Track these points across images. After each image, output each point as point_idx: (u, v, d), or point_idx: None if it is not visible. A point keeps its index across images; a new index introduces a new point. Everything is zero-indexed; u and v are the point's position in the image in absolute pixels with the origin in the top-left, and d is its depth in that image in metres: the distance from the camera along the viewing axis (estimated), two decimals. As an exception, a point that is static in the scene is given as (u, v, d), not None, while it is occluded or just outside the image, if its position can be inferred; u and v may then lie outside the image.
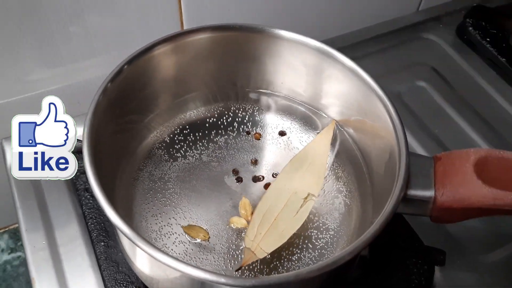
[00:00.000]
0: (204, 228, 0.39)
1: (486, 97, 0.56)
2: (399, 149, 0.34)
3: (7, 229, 0.64)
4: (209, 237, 0.38)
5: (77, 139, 0.46)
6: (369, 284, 0.41)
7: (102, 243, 0.42)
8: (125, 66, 0.38)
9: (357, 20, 0.63)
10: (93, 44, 0.52)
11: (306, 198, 0.38)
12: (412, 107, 0.55)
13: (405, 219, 0.44)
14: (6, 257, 0.62)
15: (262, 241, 0.36)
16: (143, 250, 0.29)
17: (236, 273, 0.36)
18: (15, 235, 0.64)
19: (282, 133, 0.46)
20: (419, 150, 0.51)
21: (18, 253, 0.63)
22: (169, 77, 0.43)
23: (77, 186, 0.45)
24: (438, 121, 0.54)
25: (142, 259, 0.35)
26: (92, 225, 0.43)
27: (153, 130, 0.44)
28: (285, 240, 0.36)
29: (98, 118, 0.37)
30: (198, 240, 0.38)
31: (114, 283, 0.40)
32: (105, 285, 0.40)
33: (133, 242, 0.30)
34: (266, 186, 0.42)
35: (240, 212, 0.40)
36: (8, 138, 0.49)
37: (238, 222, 0.40)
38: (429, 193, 0.34)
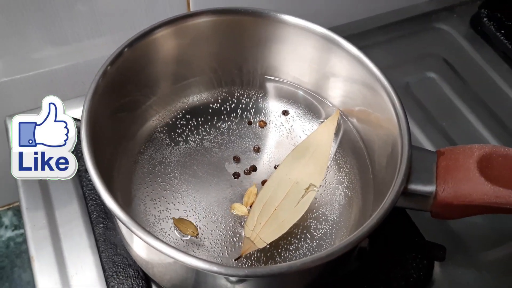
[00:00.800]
0: (195, 224, 0.38)
1: (497, 91, 0.55)
2: (401, 142, 0.34)
3: (11, 206, 0.64)
4: (198, 234, 0.38)
5: (76, 119, 0.46)
6: (367, 276, 0.40)
7: (101, 225, 0.42)
8: (126, 49, 0.38)
9: (368, 7, 0.61)
10: (99, 23, 0.51)
11: (307, 188, 0.38)
12: (420, 99, 0.54)
13: (407, 213, 0.43)
14: (9, 234, 0.63)
15: (262, 231, 0.36)
16: (136, 234, 0.29)
17: (235, 262, 0.36)
18: (19, 212, 0.64)
19: (285, 112, 0.45)
20: (425, 143, 0.50)
21: (22, 230, 0.63)
22: (172, 60, 0.43)
23: (78, 167, 0.45)
24: (447, 114, 0.53)
25: (138, 243, 0.35)
26: (92, 207, 0.43)
27: (155, 114, 0.44)
28: (285, 230, 0.36)
29: (97, 100, 0.37)
30: (188, 237, 0.38)
31: (112, 265, 0.40)
32: (103, 266, 0.40)
33: (126, 226, 0.30)
34: (263, 182, 0.41)
35: (244, 199, 0.40)
36: (13, 115, 0.49)
37: (239, 209, 0.39)
38: (430, 188, 0.33)
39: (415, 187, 0.33)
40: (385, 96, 0.36)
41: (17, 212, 0.64)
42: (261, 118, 0.45)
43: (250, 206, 0.38)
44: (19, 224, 0.64)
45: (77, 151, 0.46)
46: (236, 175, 0.41)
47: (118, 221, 0.36)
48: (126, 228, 0.34)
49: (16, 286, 0.59)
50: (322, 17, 0.60)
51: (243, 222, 0.39)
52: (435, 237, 0.43)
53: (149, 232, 0.29)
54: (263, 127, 0.45)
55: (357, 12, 0.61)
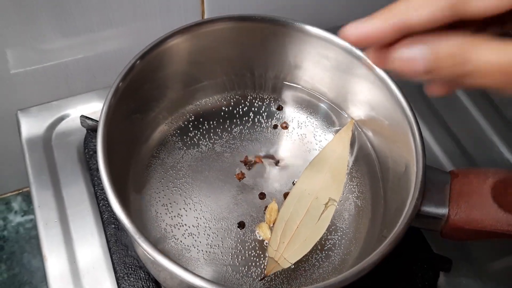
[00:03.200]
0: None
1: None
2: (416, 165, 0.33)
3: (20, 191, 0.65)
4: None
5: (88, 118, 0.46)
6: (372, 286, 0.41)
7: (113, 225, 0.43)
8: (137, 62, 0.37)
9: (383, 2, 0.60)
10: (110, 15, 0.50)
11: (327, 203, 0.38)
12: (432, 100, 0.54)
13: (415, 223, 0.43)
14: (19, 219, 0.64)
15: (286, 251, 0.36)
16: (145, 251, 0.30)
17: (260, 281, 0.37)
18: (28, 198, 0.65)
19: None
20: (434, 146, 0.50)
21: (31, 216, 0.64)
22: (186, 64, 0.42)
23: (90, 165, 0.46)
24: (458, 117, 0.53)
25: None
26: (104, 206, 0.43)
27: (168, 117, 0.44)
28: (308, 249, 0.36)
29: (114, 103, 0.36)
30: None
31: (123, 266, 0.41)
32: (114, 268, 0.41)
33: (136, 240, 0.30)
34: (285, 195, 0.41)
35: (265, 216, 0.40)
36: (23, 109, 0.49)
37: (263, 231, 0.39)
38: (442, 211, 0.33)
39: (428, 209, 0.33)
40: (404, 118, 0.36)
41: (27, 197, 0.65)
42: (274, 123, 0.45)
43: (274, 224, 0.39)
44: (28, 209, 0.64)
45: (88, 149, 0.47)
46: (241, 225, 0.39)
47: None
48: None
49: (26, 272, 0.61)
50: (334, 12, 0.59)
51: (256, 232, 0.39)
52: (442, 244, 0.43)
53: (157, 248, 0.30)
54: (286, 128, 0.44)
55: (370, 7, 0.60)
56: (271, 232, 0.38)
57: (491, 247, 0.44)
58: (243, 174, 0.41)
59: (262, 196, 0.41)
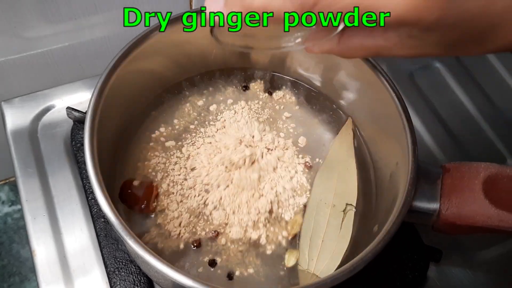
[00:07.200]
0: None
1: (502, 85, 0.55)
2: (408, 164, 0.33)
3: (7, 181, 0.64)
4: None
5: (75, 109, 0.45)
6: (363, 277, 0.41)
7: (102, 219, 0.42)
8: (125, 54, 0.36)
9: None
10: (95, 1, 0.49)
11: (345, 209, 0.37)
12: (423, 89, 0.53)
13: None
14: (6, 209, 0.63)
15: (316, 268, 0.35)
16: (134, 249, 0.29)
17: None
18: (16, 188, 0.64)
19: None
20: (425, 135, 0.50)
21: (19, 206, 0.63)
22: (174, 56, 0.41)
23: (77, 158, 0.45)
24: (448, 106, 0.52)
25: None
26: (93, 200, 0.43)
27: (156, 110, 0.43)
28: (339, 261, 0.36)
29: (100, 101, 0.35)
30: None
31: (114, 261, 0.40)
32: (104, 262, 0.40)
33: (121, 236, 0.30)
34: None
35: (288, 228, 0.38)
36: (8, 100, 0.48)
37: (291, 256, 0.37)
38: (433, 205, 0.33)
39: (419, 204, 0.33)
40: (396, 113, 0.35)
41: (14, 187, 0.64)
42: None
43: (293, 237, 0.37)
44: (16, 199, 0.63)
45: (75, 141, 0.46)
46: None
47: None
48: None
49: (15, 262, 0.60)
50: None
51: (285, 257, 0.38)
52: (432, 235, 0.43)
53: (143, 245, 0.30)
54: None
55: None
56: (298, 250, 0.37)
57: (480, 237, 0.45)
58: (199, 242, 0.37)
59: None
